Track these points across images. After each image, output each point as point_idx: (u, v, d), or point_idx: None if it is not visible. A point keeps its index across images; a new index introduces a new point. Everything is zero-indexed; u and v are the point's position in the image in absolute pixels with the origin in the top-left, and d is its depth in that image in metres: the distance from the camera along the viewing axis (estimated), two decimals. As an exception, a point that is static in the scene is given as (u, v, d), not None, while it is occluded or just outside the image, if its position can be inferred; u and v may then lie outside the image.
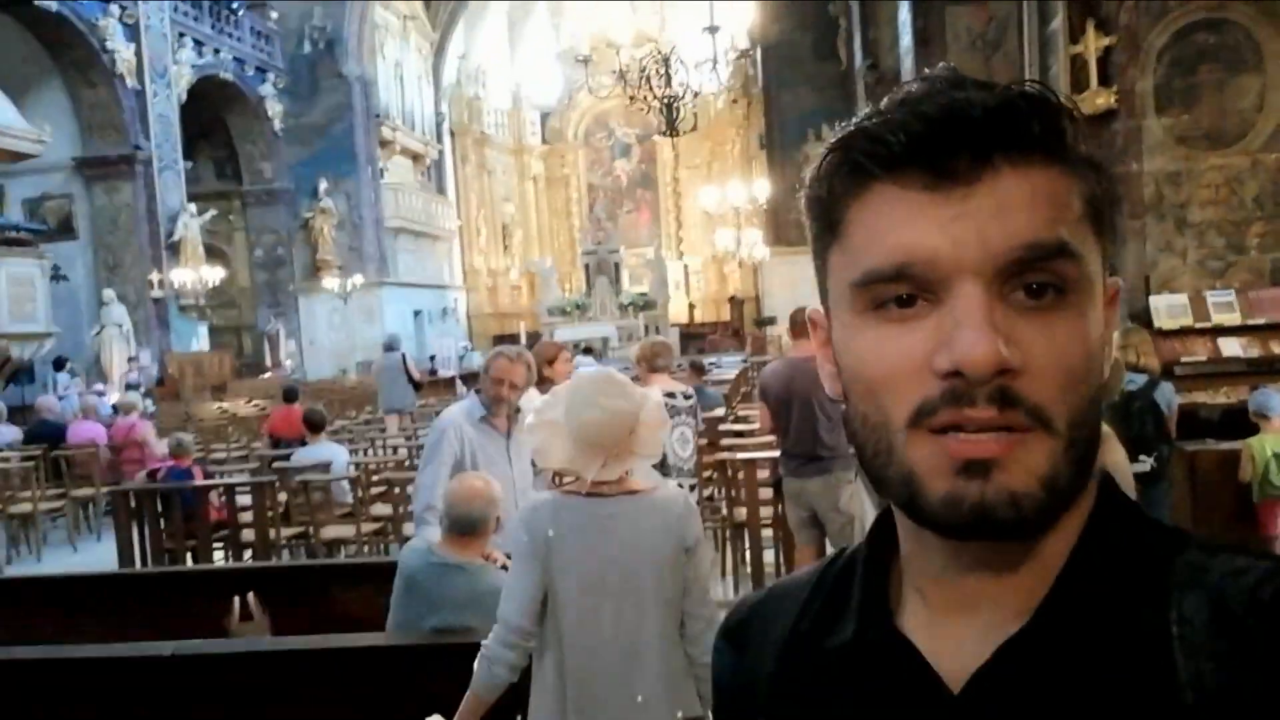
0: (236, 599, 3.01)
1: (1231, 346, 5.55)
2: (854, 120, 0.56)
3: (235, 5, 19.72)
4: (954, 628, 0.57)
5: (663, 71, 11.87)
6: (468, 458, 3.75)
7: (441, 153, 26.06)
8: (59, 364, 14.27)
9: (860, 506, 4.96)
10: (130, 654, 2.79)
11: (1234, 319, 5.51)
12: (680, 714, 2.14)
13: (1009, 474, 0.51)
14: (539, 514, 2.17)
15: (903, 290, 0.53)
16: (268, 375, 18.85)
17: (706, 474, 6.21)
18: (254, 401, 14.99)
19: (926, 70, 0.56)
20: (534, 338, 24.20)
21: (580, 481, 2.15)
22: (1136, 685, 0.51)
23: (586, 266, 25.89)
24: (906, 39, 10.61)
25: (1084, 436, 0.53)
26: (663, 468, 4.21)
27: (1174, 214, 5.64)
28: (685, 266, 27.60)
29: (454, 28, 26.18)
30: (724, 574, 5.83)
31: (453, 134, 26.63)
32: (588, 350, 15.57)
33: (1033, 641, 0.53)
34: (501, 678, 2.14)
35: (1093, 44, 5.47)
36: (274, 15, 21.15)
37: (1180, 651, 0.51)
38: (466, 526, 2.91)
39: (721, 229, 21.48)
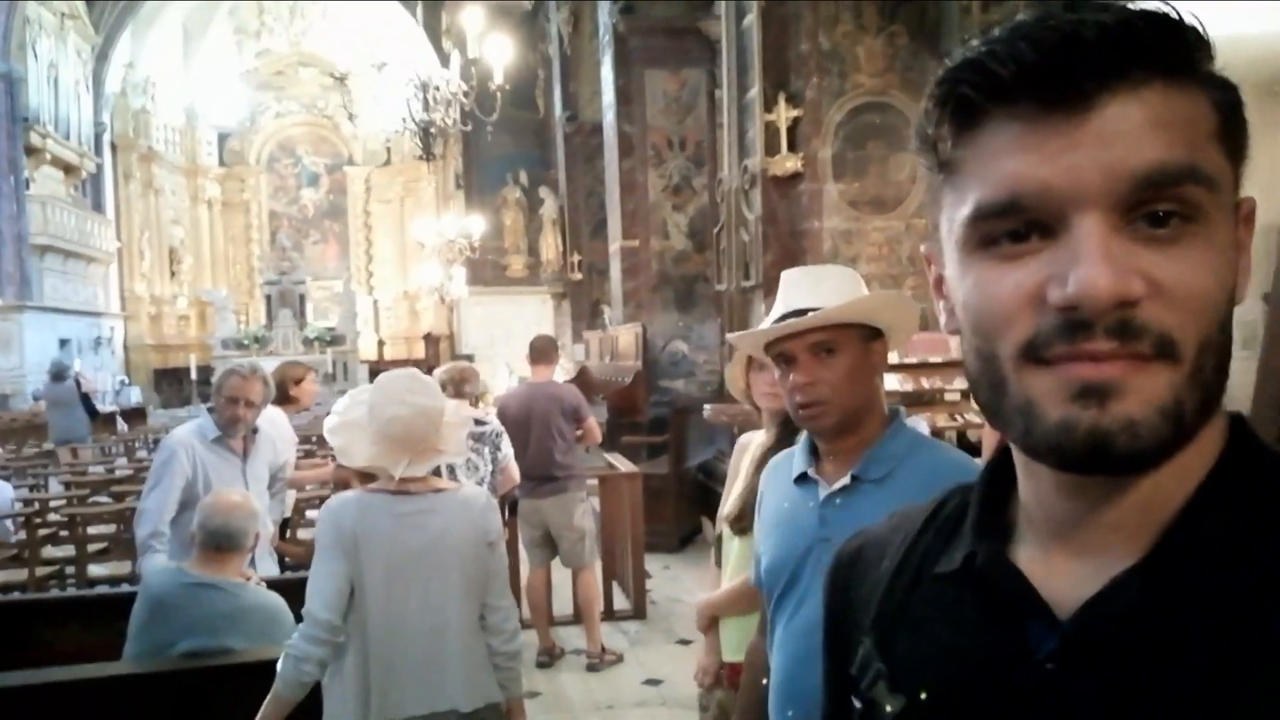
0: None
1: (891, 382, 6.53)
2: (962, 51, 0.54)
3: None
4: (1067, 563, 0.56)
5: (421, 97, 11.75)
6: (200, 481, 3.57)
7: (100, 166, 23.55)
8: None
9: (591, 522, 5.23)
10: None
11: (893, 358, 6.50)
12: (482, 701, 2.24)
13: (1127, 402, 0.49)
14: (345, 509, 2.20)
15: (1015, 224, 0.51)
16: None
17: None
18: None
19: None
20: (205, 371, 22.35)
21: (386, 480, 2.21)
22: (1255, 628, 0.49)
23: (268, 297, 24.43)
24: (608, 95, 11.33)
25: (1211, 366, 0.51)
26: None
27: (847, 266, 6.57)
28: (375, 301, 26.90)
29: (120, 33, 23.87)
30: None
31: (115, 147, 24.18)
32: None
33: (1147, 576, 0.52)
34: (310, 675, 2.13)
35: (784, 114, 6.27)
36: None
37: None
38: (225, 540, 2.80)
39: (421, 264, 21.29)
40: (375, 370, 23.55)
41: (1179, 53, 0.51)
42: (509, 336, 19.76)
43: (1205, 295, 0.50)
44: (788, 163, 6.25)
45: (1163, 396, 0.49)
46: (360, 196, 27.49)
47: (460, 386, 4.44)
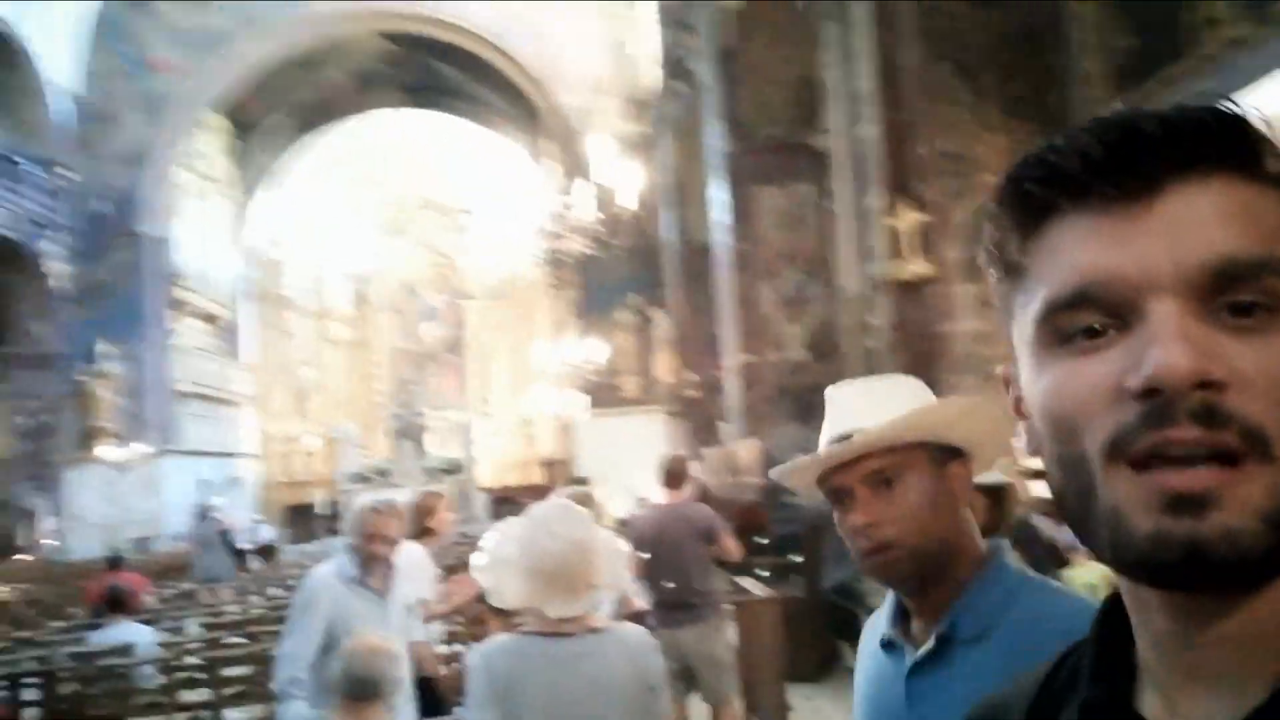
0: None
1: (1041, 488, 6.11)
2: (1031, 151, 0.53)
3: (17, 158, 18.54)
4: (1192, 700, 0.52)
5: (551, 228, 12.25)
6: (338, 623, 3.48)
7: (237, 315, 25.05)
8: None
9: (730, 653, 4.94)
10: None
11: (1035, 463, 6.09)
12: None
13: (1225, 511, 0.46)
14: (497, 655, 2.04)
15: (1088, 318, 0.50)
16: (24, 556, 16.79)
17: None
18: (13, 585, 13.24)
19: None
20: (332, 506, 22.95)
21: (540, 621, 2.05)
22: None
23: (392, 431, 25.18)
24: (720, 214, 11.44)
25: None
26: None
27: (982, 369, 6.26)
28: (493, 429, 27.40)
29: (257, 188, 25.76)
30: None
31: (251, 296, 25.75)
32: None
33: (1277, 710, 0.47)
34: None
35: (906, 218, 6.13)
36: (68, 175, 19.94)
37: None
38: (368, 689, 2.68)
39: (537, 388, 21.63)
40: (497, 498, 23.79)
41: (1246, 149, 0.50)
42: (625, 458, 19.73)
43: None
44: (914, 266, 6.07)
45: (1262, 501, 0.46)
46: (476, 328, 28.37)
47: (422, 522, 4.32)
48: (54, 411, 19.57)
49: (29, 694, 5.50)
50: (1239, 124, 0.50)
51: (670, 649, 4.79)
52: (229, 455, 23.81)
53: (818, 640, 7.15)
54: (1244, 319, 0.48)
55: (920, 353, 6.02)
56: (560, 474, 24.08)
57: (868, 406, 1.25)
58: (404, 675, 2.78)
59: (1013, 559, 1.27)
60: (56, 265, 19.45)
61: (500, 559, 2.08)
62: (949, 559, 1.20)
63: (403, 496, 4.17)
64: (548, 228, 12.14)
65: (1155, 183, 0.49)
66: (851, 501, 1.21)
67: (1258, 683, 0.49)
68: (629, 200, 9.40)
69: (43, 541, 18.31)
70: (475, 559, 2.20)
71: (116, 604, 6.35)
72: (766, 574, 7.78)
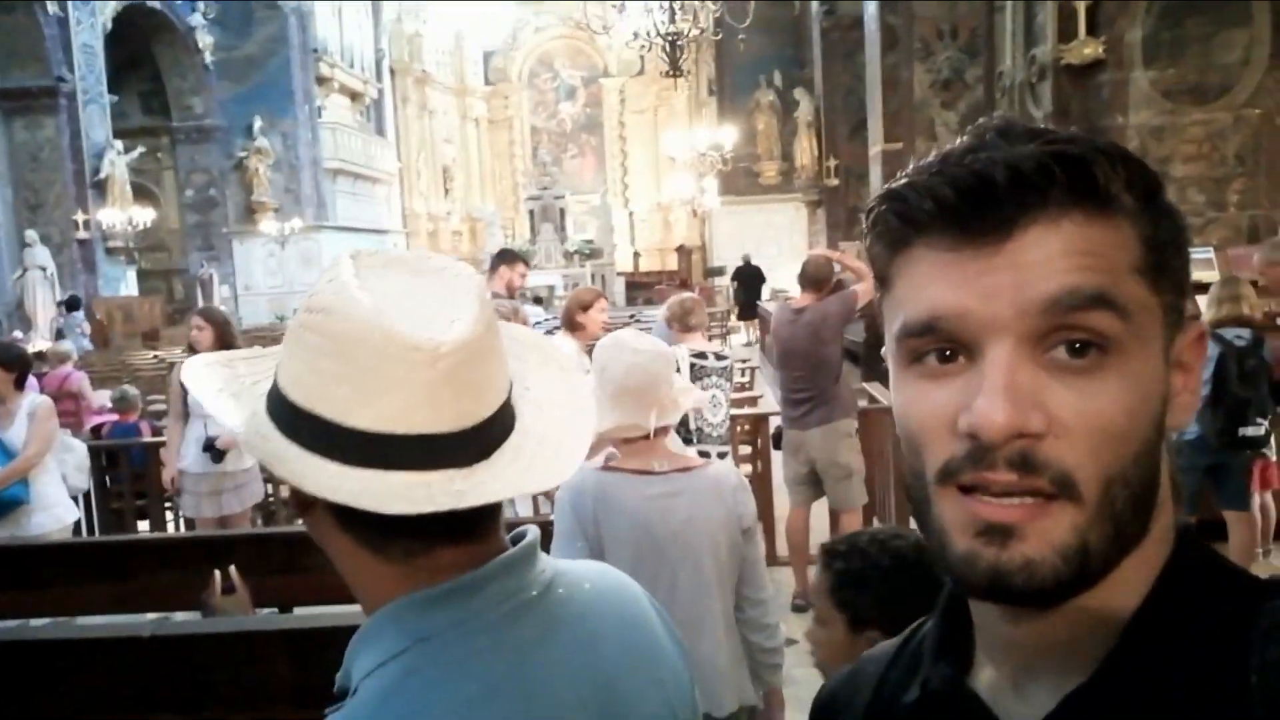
0: (217, 572, 2.79)
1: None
2: (898, 176, 0.56)
3: (161, -72, 18.59)
4: (1023, 685, 0.57)
5: (666, 8, 11.49)
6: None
7: (381, 92, 25.19)
8: (73, 304, 13.95)
9: (860, 461, 4.88)
10: (101, 634, 2.56)
11: (1211, 276, 5.52)
12: (737, 703, 2.01)
13: (1026, 542, 0.50)
14: (584, 491, 2.00)
15: (936, 345, 0.53)
16: (202, 322, 18.19)
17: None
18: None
19: (981, 120, 0.56)
20: (477, 285, 23.71)
21: (632, 459, 2.00)
22: None
23: (531, 212, 25.38)
24: (869, -17, 10.44)
25: (1124, 500, 0.51)
26: (691, 433, 4.05)
27: (1156, 169, 5.62)
28: (631, 214, 27.29)
29: (394, -40, 25.15)
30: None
31: (393, 72, 25.73)
32: (536, 300, 15.27)
33: (1098, 693, 0.52)
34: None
35: (1081, -8, 5.36)
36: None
37: (1261, 703, 0.48)
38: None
39: (672, 176, 21.21)
40: (631, 283, 24.04)
41: (1097, 190, 0.51)
42: (761, 247, 19.37)
43: (1111, 430, 0.50)
44: (1086, 49, 5.36)
45: (1063, 538, 0.50)
46: (615, 109, 27.72)
47: (685, 320, 4.14)
48: (218, 185, 20.57)
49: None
50: (1086, 165, 0.51)
51: (798, 450, 4.76)
52: (379, 232, 24.71)
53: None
54: (1078, 359, 0.50)
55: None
56: (694, 262, 24.03)
57: None
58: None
59: None
60: (205, 38, 19.80)
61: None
62: None
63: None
64: (663, 8, 11.31)
65: (1004, 227, 0.51)
66: None
67: (1077, 671, 0.53)
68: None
69: (219, 307, 19.76)
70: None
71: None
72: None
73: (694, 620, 1.97)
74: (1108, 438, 0.50)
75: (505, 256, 5.45)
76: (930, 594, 1.40)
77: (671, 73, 12.31)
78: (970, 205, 0.51)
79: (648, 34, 11.64)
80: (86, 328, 14.29)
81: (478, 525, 0.81)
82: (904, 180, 0.55)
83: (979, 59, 9.36)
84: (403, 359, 0.75)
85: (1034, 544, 0.50)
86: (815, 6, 15.68)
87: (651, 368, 2.01)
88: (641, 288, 23.73)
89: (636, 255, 26.94)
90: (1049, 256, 0.50)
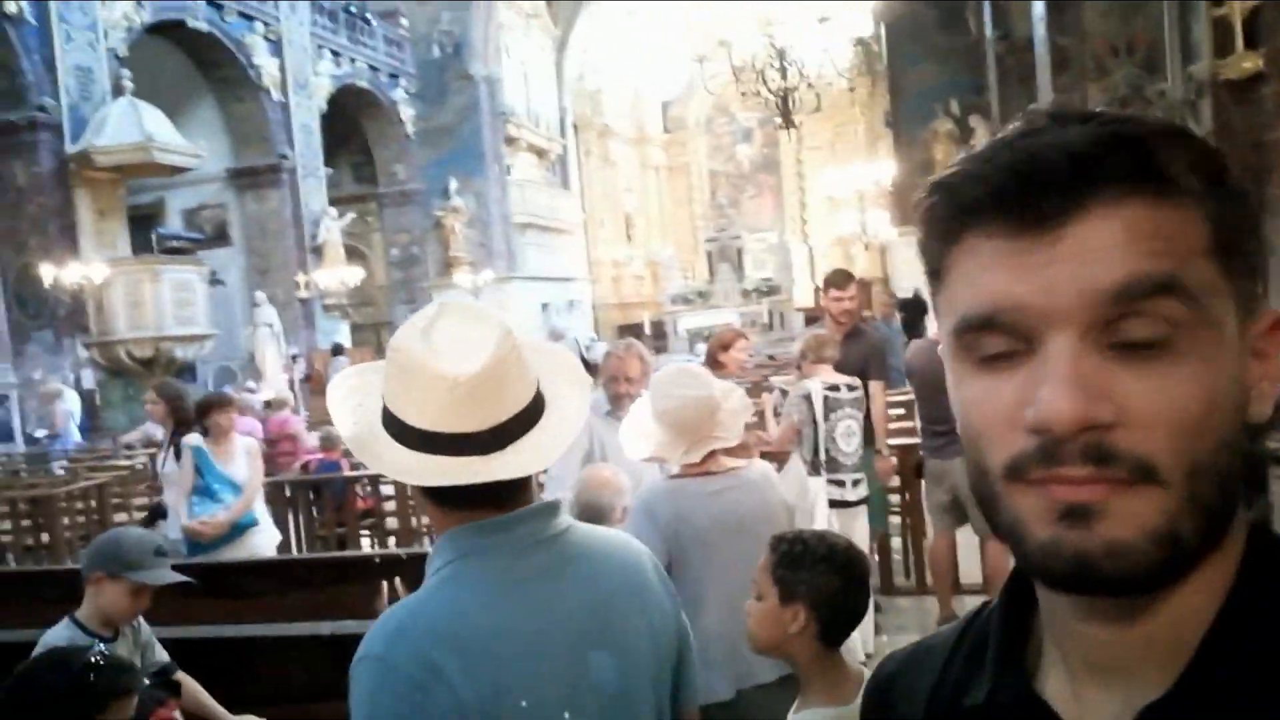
0: (384, 583, 3.23)
1: None
2: (951, 164, 0.54)
3: (368, 16, 20.55)
4: (1094, 689, 0.54)
5: (777, 64, 11.72)
6: (596, 451, 3.89)
7: (565, 147, 26.50)
8: (337, 350, 16.12)
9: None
10: (293, 633, 3.03)
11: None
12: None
13: (1111, 524, 0.48)
14: (658, 498, 2.38)
15: (996, 343, 0.51)
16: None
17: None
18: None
19: (1030, 106, 0.55)
20: (657, 327, 24.39)
21: (689, 466, 2.36)
22: None
23: (709, 254, 25.85)
24: (1039, 4, 10.20)
25: (1211, 489, 0.49)
26: (825, 463, 4.28)
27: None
28: (810, 250, 27.24)
29: (575, 23, 26.52)
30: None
31: (576, 128, 27.02)
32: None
33: (1176, 708, 0.49)
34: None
35: (1238, 4, 5.18)
36: (404, 23, 21.96)
37: None
38: (592, 514, 3.02)
39: (845, 211, 21.11)
40: (811, 318, 23.95)
41: (1158, 170, 0.49)
42: (944, 278, 18.87)
43: (1186, 417, 0.48)
44: (1245, 62, 5.17)
45: (1152, 520, 0.48)
46: (792, 148, 27.86)
47: (820, 352, 4.30)
48: (419, 244, 22.28)
49: (386, 489, 6.67)
50: (1145, 145, 0.49)
51: (942, 478, 4.80)
52: (565, 280, 25.87)
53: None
54: (1146, 346, 0.48)
55: (1247, 166, 5.19)
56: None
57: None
58: (628, 504, 3.10)
59: None
60: (407, 110, 21.62)
61: (633, 418, 2.49)
62: None
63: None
64: (781, 65, 11.43)
65: (1062, 212, 0.49)
66: None
67: (1156, 679, 0.51)
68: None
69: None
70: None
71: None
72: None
73: None
74: (1184, 426, 0.48)
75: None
76: (851, 584, 1.63)
77: (785, 126, 12.46)
78: (1025, 190, 0.49)
79: (756, 93, 11.88)
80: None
81: (507, 495, 1.21)
82: (955, 169, 0.53)
83: (1157, 74, 8.98)
84: (435, 385, 1.17)
85: (1119, 526, 0.48)
86: (989, 32, 15.37)
87: (683, 413, 2.34)
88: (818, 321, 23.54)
89: (817, 290, 26.82)
90: (1112, 243, 0.48)
